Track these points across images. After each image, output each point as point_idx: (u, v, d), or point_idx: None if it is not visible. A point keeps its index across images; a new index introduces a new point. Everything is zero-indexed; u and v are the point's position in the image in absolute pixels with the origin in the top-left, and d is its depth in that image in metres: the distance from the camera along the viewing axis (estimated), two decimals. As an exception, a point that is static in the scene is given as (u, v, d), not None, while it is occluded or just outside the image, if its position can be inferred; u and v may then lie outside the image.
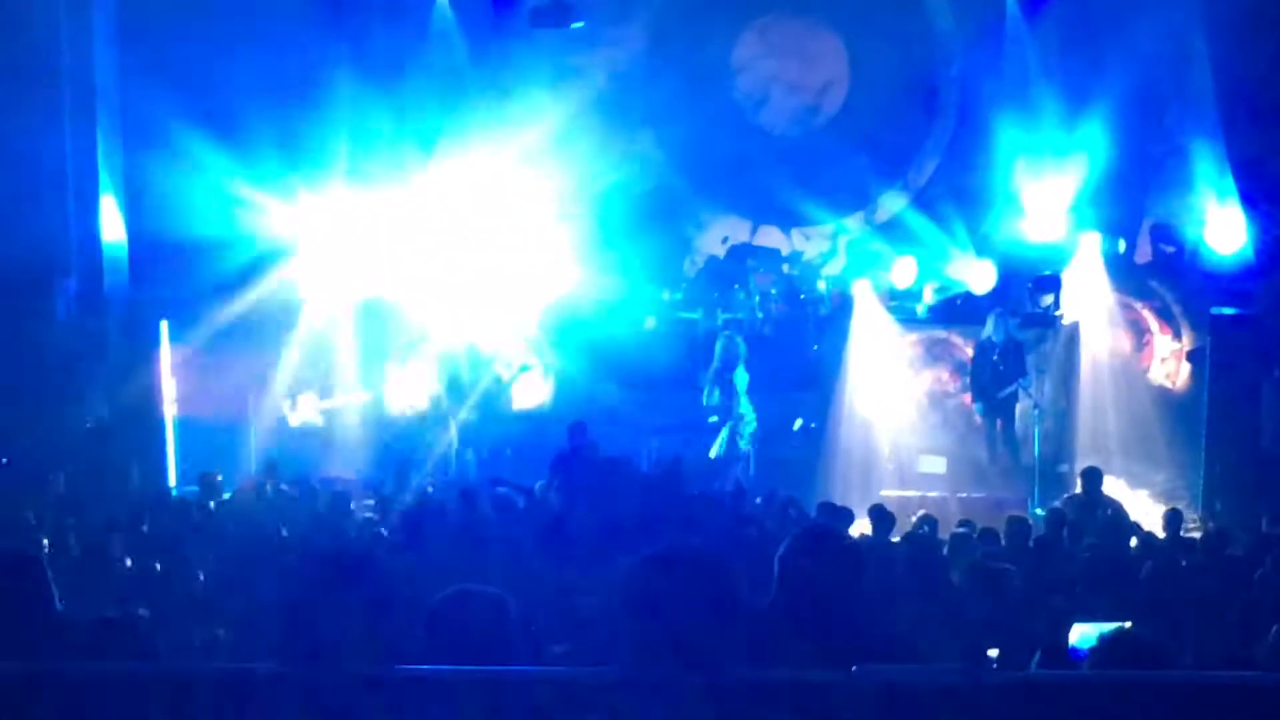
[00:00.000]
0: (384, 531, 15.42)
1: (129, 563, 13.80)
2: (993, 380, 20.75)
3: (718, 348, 21.73)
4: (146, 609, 12.02)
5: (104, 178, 21.82)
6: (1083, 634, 7.95)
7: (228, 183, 22.26)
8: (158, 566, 13.80)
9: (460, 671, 4.74)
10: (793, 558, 5.78)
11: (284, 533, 15.55)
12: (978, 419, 21.60)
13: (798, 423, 19.75)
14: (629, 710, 4.37)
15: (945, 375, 22.33)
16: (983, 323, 21.37)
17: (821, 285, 23.67)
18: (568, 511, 15.61)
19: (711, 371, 21.79)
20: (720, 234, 24.69)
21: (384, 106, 22.98)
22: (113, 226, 22.05)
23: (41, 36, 20.85)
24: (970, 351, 21.77)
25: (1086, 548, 15.52)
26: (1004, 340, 20.80)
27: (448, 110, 23.34)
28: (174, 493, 19.41)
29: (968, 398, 21.88)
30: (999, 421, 21.26)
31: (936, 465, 21.41)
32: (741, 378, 21.49)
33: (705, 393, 21.72)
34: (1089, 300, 22.67)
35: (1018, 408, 21.25)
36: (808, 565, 5.74)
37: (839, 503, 16.92)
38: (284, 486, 18.50)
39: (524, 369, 22.39)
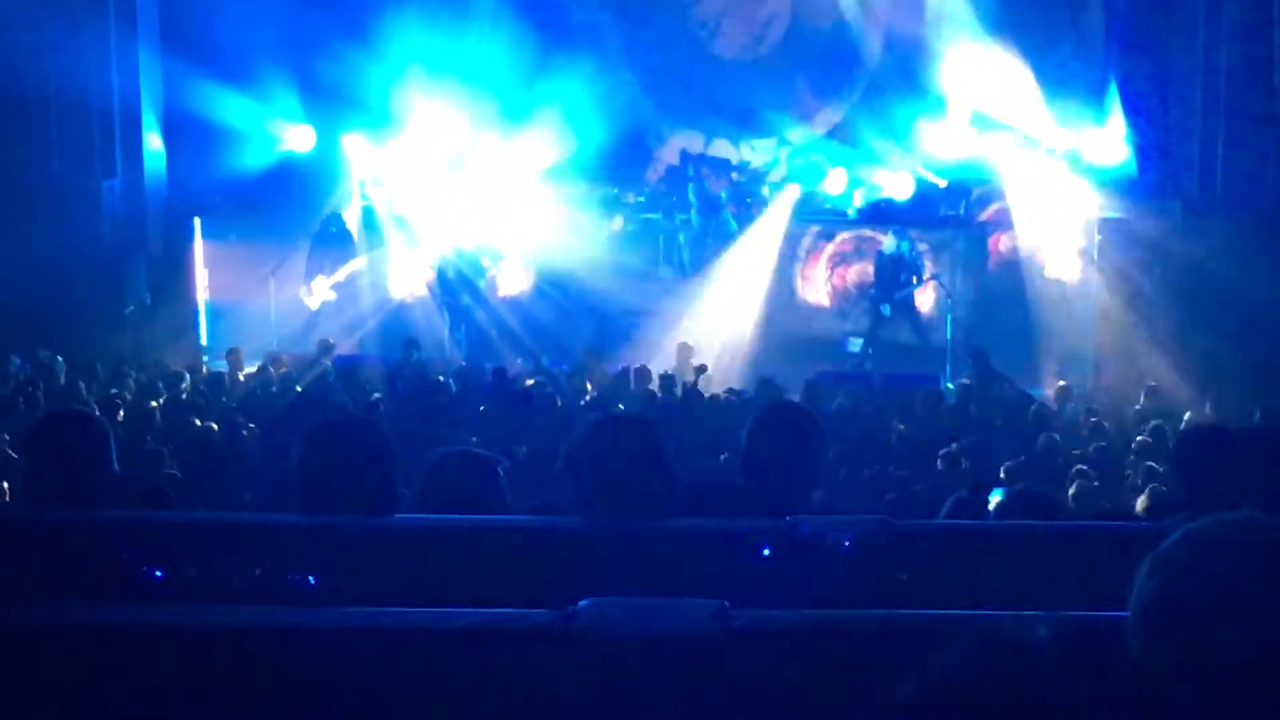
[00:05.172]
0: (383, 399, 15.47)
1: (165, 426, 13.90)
2: (891, 283, 21.03)
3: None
4: (180, 468, 12.11)
5: (145, 96, 21.60)
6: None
7: (251, 107, 22.26)
8: (197, 422, 13.91)
9: (453, 520, 4.75)
10: (761, 432, 5.58)
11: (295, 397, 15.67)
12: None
13: None
14: (586, 550, 4.39)
15: (870, 269, 22.28)
16: (905, 224, 21.58)
17: (765, 191, 23.64)
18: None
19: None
20: (678, 146, 24.57)
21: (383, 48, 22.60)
22: (152, 137, 21.89)
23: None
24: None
25: (997, 419, 15.70)
26: (901, 252, 21.08)
27: (438, 44, 22.90)
28: (205, 366, 19.40)
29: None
30: (905, 314, 21.52)
31: (858, 345, 21.66)
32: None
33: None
34: (996, 206, 22.76)
35: (917, 301, 21.53)
36: (777, 439, 5.53)
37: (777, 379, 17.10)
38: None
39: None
